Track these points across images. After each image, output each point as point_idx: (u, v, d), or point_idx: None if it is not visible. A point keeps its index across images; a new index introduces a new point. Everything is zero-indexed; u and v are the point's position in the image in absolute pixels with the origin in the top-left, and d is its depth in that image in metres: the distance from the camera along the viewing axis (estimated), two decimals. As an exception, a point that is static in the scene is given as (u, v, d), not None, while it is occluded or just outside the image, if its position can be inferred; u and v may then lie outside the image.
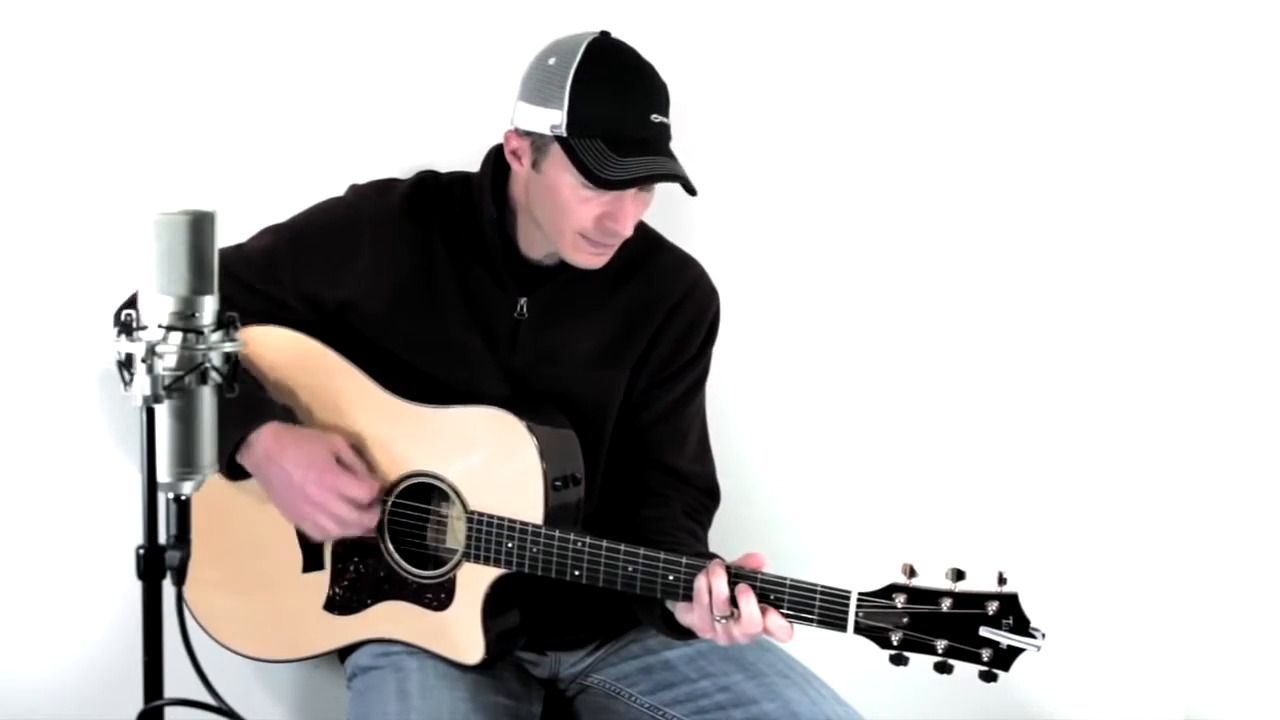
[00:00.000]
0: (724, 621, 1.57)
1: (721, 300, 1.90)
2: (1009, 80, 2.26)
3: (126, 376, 1.21)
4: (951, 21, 2.24)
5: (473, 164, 1.83)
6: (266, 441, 1.70)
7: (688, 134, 1.76)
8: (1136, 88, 2.30)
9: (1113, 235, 2.33)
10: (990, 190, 2.29)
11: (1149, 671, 2.46)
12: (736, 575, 1.58)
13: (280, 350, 1.79)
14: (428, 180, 1.85)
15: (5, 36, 1.91)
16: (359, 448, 1.76)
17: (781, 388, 2.27)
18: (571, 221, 1.70)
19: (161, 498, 1.25)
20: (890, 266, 2.28)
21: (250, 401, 1.71)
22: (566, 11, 1.94)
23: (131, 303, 1.26)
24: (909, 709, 2.04)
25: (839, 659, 1.75)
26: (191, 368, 1.22)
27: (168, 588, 1.26)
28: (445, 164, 1.89)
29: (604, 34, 1.71)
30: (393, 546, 1.77)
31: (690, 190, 1.67)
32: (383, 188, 1.85)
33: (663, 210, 1.79)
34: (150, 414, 1.22)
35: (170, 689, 1.27)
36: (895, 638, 1.51)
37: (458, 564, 1.73)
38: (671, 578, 1.62)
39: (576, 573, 1.67)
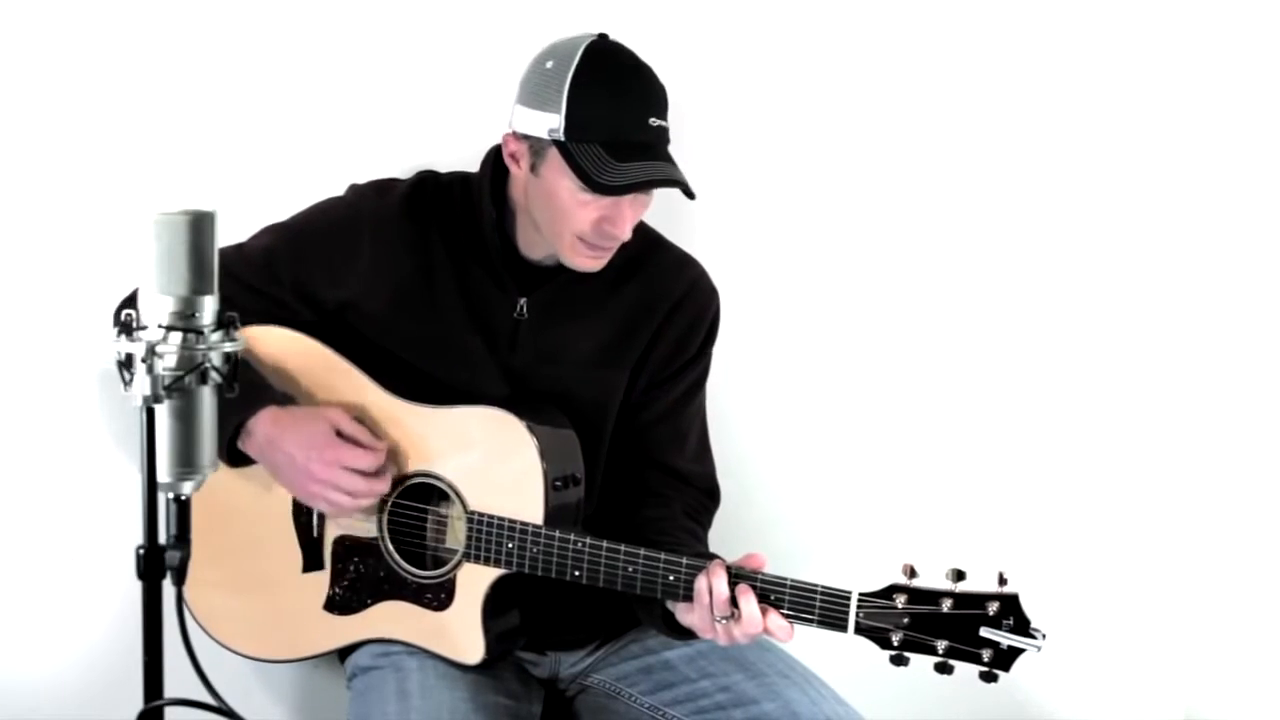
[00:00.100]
0: (724, 622, 1.57)
1: (721, 300, 1.90)
2: (1007, 82, 2.26)
3: (126, 376, 1.21)
4: (950, 23, 2.24)
5: (472, 164, 1.83)
6: (266, 426, 1.70)
7: (687, 134, 1.76)
8: (1136, 88, 2.30)
9: (1112, 236, 2.33)
10: (989, 191, 2.29)
11: (1149, 671, 2.46)
12: (737, 575, 1.58)
13: (280, 350, 1.79)
14: (427, 180, 1.85)
15: (5, 36, 1.91)
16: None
17: (781, 388, 2.27)
18: (569, 225, 1.70)
19: (161, 498, 1.25)
20: (890, 267, 2.28)
21: (247, 387, 1.70)
22: (565, 12, 1.94)
23: (131, 302, 1.26)
24: (909, 709, 2.04)
25: (839, 659, 1.75)
26: (191, 368, 1.22)
27: (168, 588, 1.26)
28: (445, 164, 1.89)
29: (602, 36, 1.71)
30: (393, 546, 1.77)
31: (689, 194, 1.67)
32: (382, 188, 1.85)
33: (662, 211, 1.79)
34: (150, 414, 1.22)
35: (170, 689, 1.27)
36: (896, 638, 1.51)
37: (458, 564, 1.73)
38: (672, 578, 1.62)
39: (576, 573, 1.67)
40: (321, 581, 1.79)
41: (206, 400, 1.25)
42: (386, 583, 1.77)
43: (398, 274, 1.79)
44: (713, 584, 1.57)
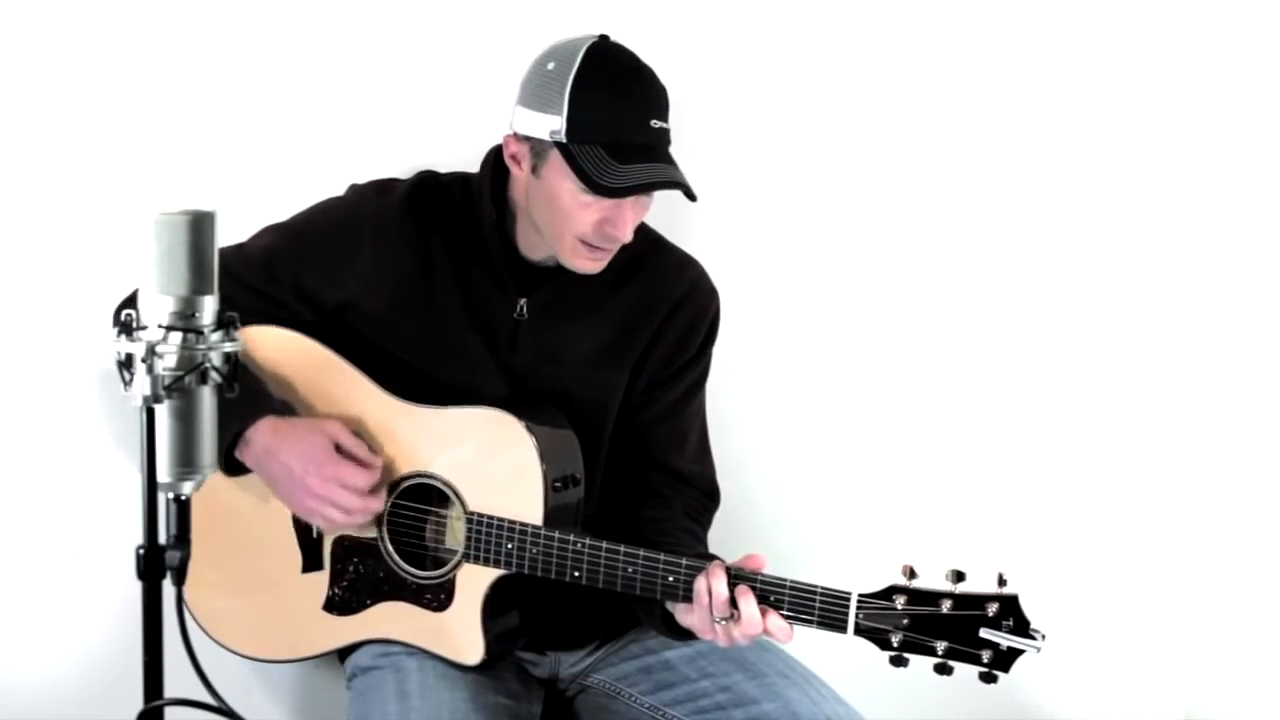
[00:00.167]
0: (724, 623, 1.57)
1: (721, 301, 1.90)
2: (1006, 83, 2.26)
3: (126, 376, 1.21)
4: (950, 25, 2.24)
5: (473, 164, 1.83)
6: (264, 436, 1.70)
7: (687, 135, 1.76)
8: (1137, 88, 2.30)
9: (1111, 237, 2.33)
10: (989, 192, 2.29)
11: (1149, 671, 2.46)
12: (736, 576, 1.58)
13: (279, 351, 1.79)
14: (427, 180, 1.85)
15: (5, 36, 1.90)
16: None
17: (781, 388, 2.27)
18: (571, 227, 1.70)
19: (161, 498, 1.25)
20: (890, 268, 2.28)
21: (246, 395, 1.70)
22: (566, 13, 1.94)
23: (131, 302, 1.26)
24: (909, 709, 2.04)
25: (839, 659, 1.75)
26: (191, 368, 1.22)
27: (168, 588, 1.26)
28: (445, 164, 1.89)
29: (603, 38, 1.70)
30: (392, 547, 1.77)
31: (690, 196, 1.67)
32: (382, 188, 1.84)
33: (663, 211, 1.79)
34: (150, 414, 1.22)
35: (170, 689, 1.27)
36: (895, 639, 1.51)
37: (457, 565, 1.73)
38: (671, 579, 1.62)
39: (576, 574, 1.67)
40: (321, 582, 1.79)
41: (206, 400, 1.25)
42: (386, 583, 1.77)
43: (398, 274, 1.79)
44: (712, 585, 1.57)
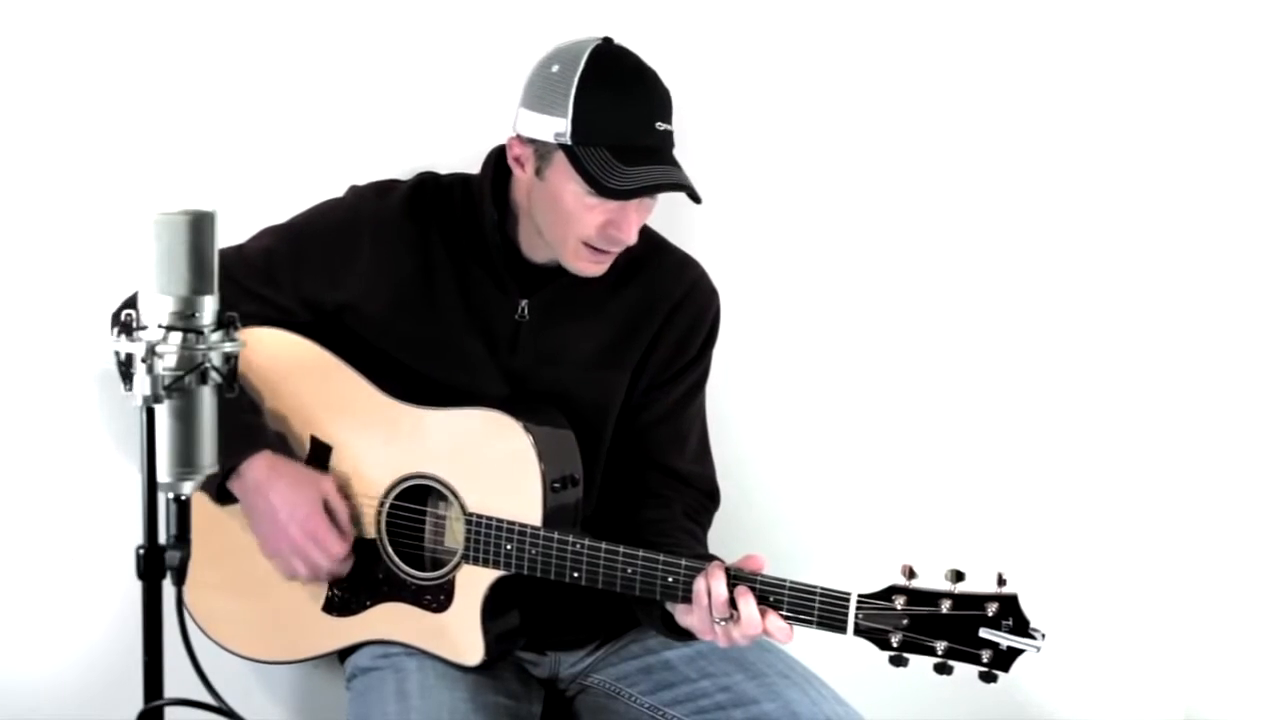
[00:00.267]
0: (723, 623, 1.57)
1: (722, 302, 1.90)
2: (1006, 85, 2.26)
3: (126, 376, 1.21)
4: (950, 27, 2.24)
5: (473, 165, 1.83)
6: (259, 471, 1.71)
7: (689, 137, 1.76)
8: (1136, 88, 2.30)
9: (1111, 237, 2.33)
10: (989, 193, 2.29)
11: (1149, 671, 2.46)
12: (735, 577, 1.58)
13: (279, 353, 1.79)
14: (428, 182, 1.85)
15: (5, 36, 1.91)
16: (355, 453, 1.77)
17: (781, 389, 2.27)
18: (575, 229, 1.70)
19: (161, 498, 1.25)
20: (890, 269, 2.28)
21: (246, 429, 1.73)
22: (568, 15, 1.94)
23: (131, 303, 1.26)
24: (909, 709, 2.04)
25: (839, 659, 1.75)
26: (191, 368, 1.22)
27: (168, 588, 1.26)
28: (446, 165, 1.89)
29: (606, 40, 1.71)
30: (391, 548, 1.77)
31: (695, 199, 1.67)
32: (383, 189, 1.84)
33: (664, 212, 1.78)
34: (150, 414, 1.22)
35: (170, 689, 1.28)
36: (895, 639, 1.51)
37: (456, 565, 1.73)
38: (671, 579, 1.62)
39: (576, 574, 1.67)
40: (320, 583, 1.79)
41: (206, 400, 1.25)
42: (385, 584, 1.77)
43: (398, 275, 1.79)
44: (711, 586, 1.57)
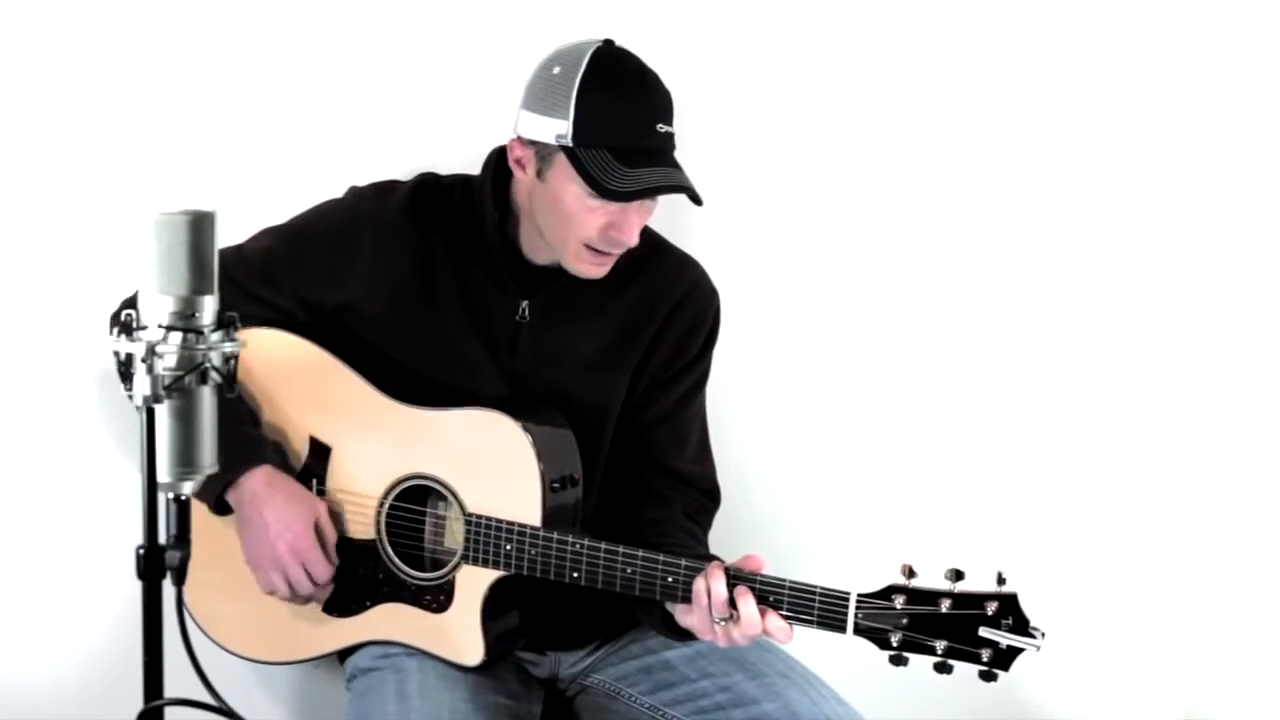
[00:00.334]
0: (723, 623, 1.57)
1: (722, 302, 1.90)
2: (1006, 86, 2.26)
3: (126, 376, 1.22)
4: (950, 28, 2.24)
5: (474, 166, 1.83)
6: (257, 484, 1.72)
7: (690, 138, 1.76)
8: (1136, 88, 2.30)
9: (1111, 237, 2.34)
10: (989, 193, 2.29)
11: (1149, 671, 2.46)
12: (735, 577, 1.57)
13: (278, 353, 1.79)
14: (428, 182, 1.85)
15: (5, 36, 1.91)
16: (355, 454, 1.77)
17: (781, 389, 2.27)
18: (576, 231, 1.70)
19: (161, 498, 1.25)
20: (890, 269, 2.28)
21: (245, 440, 1.73)
22: (569, 16, 1.94)
23: (131, 303, 1.26)
24: (909, 709, 2.04)
25: (839, 659, 1.75)
26: (191, 368, 1.22)
27: (168, 588, 1.26)
28: (446, 166, 1.89)
29: (608, 42, 1.70)
30: (391, 549, 1.77)
31: (697, 201, 1.67)
32: (383, 189, 1.84)
33: (664, 213, 1.78)
34: (150, 414, 1.22)
35: (170, 689, 1.28)
36: (894, 639, 1.51)
37: (456, 566, 1.73)
38: (670, 579, 1.62)
39: (575, 574, 1.67)
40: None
41: (206, 400, 1.25)
42: (385, 585, 1.77)
43: (397, 276, 1.79)
44: (711, 586, 1.57)
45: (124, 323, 1.23)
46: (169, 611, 1.26)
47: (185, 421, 1.24)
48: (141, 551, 1.24)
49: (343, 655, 1.84)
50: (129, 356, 1.21)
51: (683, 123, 1.73)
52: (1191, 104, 2.31)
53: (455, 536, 1.74)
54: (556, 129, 1.66)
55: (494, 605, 1.72)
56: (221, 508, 1.75)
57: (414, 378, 1.79)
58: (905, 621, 1.50)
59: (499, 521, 1.69)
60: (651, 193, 1.66)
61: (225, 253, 1.55)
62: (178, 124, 1.97)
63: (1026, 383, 2.34)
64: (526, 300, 1.80)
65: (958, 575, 1.47)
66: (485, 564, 1.70)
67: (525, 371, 1.81)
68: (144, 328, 1.22)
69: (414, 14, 2.04)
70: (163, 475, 1.24)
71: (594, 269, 1.74)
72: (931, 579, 1.49)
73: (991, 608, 1.47)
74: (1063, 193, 2.31)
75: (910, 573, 1.51)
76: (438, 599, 1.74)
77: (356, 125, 2.04)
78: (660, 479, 1.87)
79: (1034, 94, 2.27)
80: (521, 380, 1.81)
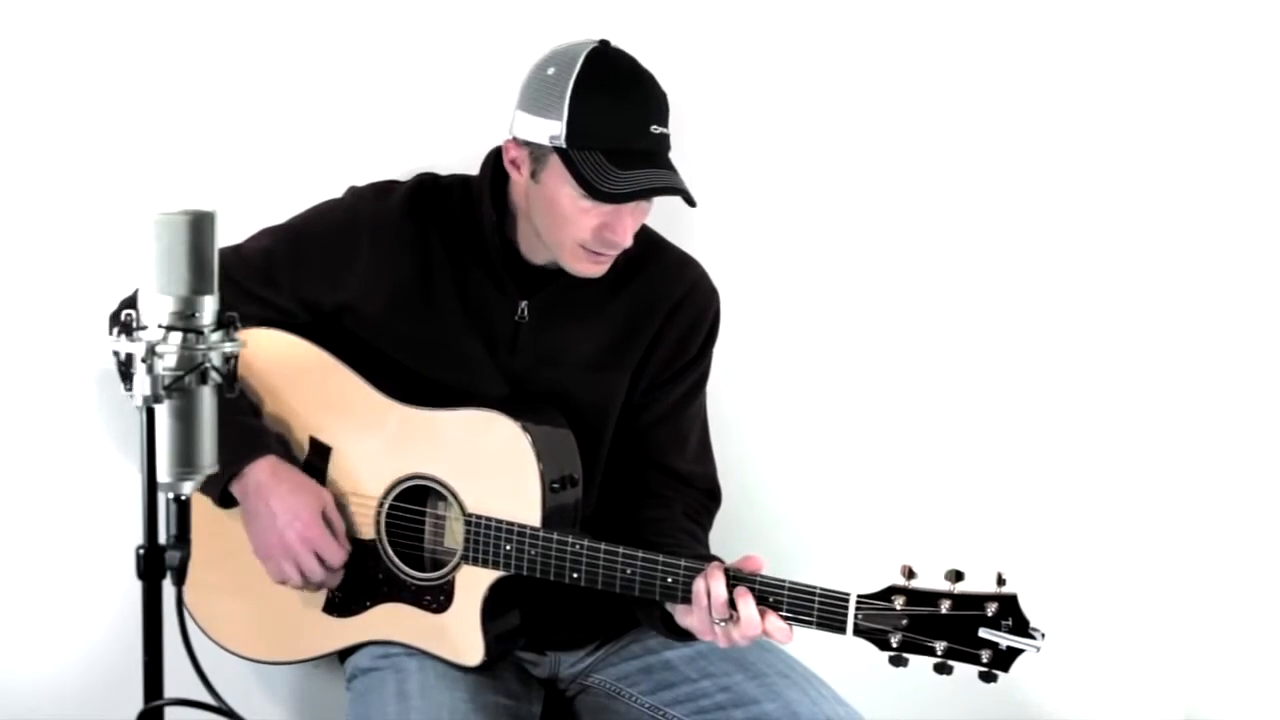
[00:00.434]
0: (723, 624, 1.57)
1: (722, 302, 1.90)
2: (1005, 86, 2.26)
3: (126, 376, 1.22)
4: (948, 29, 2.24)
5: (472, 166, 1.83)
6: (261, 474, 1.72)
7: (687, 138, 1.76)
8: (1136, 88, 2.30)
9: (1111, 237, 2.33)
10: (988, 194, 2.29)
11: (1149, 671, 2.46)
12: (735, 578, 1.57)
13: (277, 354, 1.79)
14: (427, 183, 1.85)
15: (5, 36, 1.91)
16: (354, 454, 1.77)
17: (782, 389, 2.27)
18: (570, 232, 1.69)
19: (161, 498, 1.25)
20: (890, 269, 2.28)
21: (248, 432, 1.73)
22: (565, 17, 1.94)
23: (131, 302, 1.26)
24: (909, 709, 2.04)
25: (839, 659, 1.75)
26: (191, 368, 1.22)
27: (168, 588, 1.26)
28: (445, 166, 1.89)
29: (603, 43, 1.70)
30: (391, 549, 1.77)
31: (690, 202, 1.67)
32: (382, 190, 1.84)
33: (663, 213, 1.78)
34: (150, 414, 1.22)
35: (170, 689, 1.28)
36: (894, 640, 1.51)
37: (456, 566, 1.73)
38: (670, 580, 1.62)
39: (575, 575, 1.67)
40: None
41: (206, 400, 1.25)
42: (385, 585, 1.77)
43: (397, 276, 1.79)
44: (711, 587, 1.57)
45: (124, 322, 1.23)
46: (169, 611, 1.26)
47: (185, 421, 1.24)
48: (141, 551, 1.24)
49: (343, 655, 1.84)
50: (129, 356, 1.21)
51: (680, 123, 1.73)
52: (1191, 104, 2.31)
53: (455, 537, 1.74)
54: (550, 130, 1.66)
55: (494, 605, 1.72)
56: (226, 500, 1.75)
57: (414, 378, 1.79)
58: (905, 622, 1.50)
59: (499, 522, 1.69)
60: (643, 195, 1.66)
61: (225, 253, 1.54)
62: (178, 124, 1.97)
63: (1026, 383, 2.34)
64: (526, 300, 1.80)
65: (957, 576, 1.47)
66: (485, 564, 1.70)
67: (525, 371, 1.81)
68: (144, 327, 1.22)
69: (412, 14, 2.04)
70: (163, 475, 1.24)
71: (591, 268, 1.74)
72: (931, 580, 1.49)
73: (991, 609, 1.47)
74: (1062, 193, 2.31)
75: (910, 573, 1.51)
76: (438, 599, 1.74)
77: (356, 125, 2.04)
78: (660, 479, 1.87)
79: (1032, 94, 2.27)
80: (521, 380, 1.81)
